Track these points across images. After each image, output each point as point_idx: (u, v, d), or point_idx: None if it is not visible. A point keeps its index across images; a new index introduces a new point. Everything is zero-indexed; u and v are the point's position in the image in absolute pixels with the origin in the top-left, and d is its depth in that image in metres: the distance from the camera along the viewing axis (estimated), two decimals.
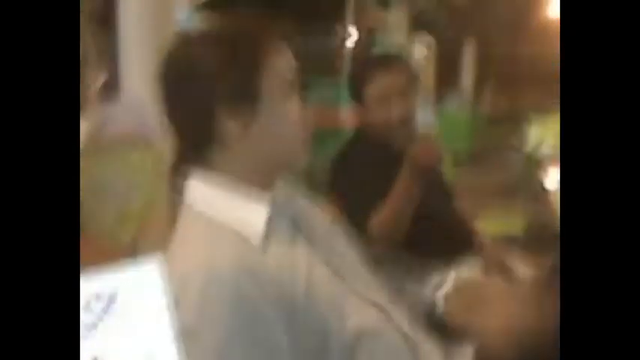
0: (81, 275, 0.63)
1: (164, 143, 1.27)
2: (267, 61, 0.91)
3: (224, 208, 0.92)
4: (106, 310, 0.44)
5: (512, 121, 7.57)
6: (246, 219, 0.91)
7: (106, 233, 1.13)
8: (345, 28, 5.43)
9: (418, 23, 8.12)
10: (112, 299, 0.44)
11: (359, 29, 5.97)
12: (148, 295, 0.45)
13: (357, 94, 1.81)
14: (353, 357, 0.91)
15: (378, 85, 1.75)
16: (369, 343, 0.93)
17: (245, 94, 0.89)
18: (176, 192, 0.96)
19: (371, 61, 2.06)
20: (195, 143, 0.92)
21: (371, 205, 1.63)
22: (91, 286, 0.44)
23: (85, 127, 1.10)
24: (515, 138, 6.09)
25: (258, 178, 0.95)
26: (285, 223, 0.97)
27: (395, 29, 6.85)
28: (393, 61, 1.85)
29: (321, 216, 1.10)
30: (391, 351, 0.96)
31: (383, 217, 1.60)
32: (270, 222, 0.93)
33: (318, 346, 0.88)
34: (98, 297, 0.44)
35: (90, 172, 1.09)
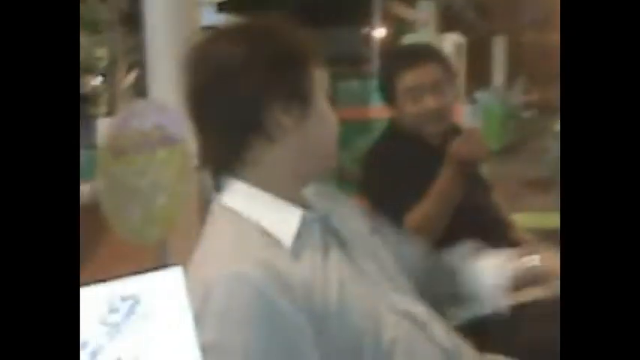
0: (107, 278, 0.62)
1: (190, 142, 1.25)
2: (315, 67, 0.92)
3: (256, 206, 0.89)
4: (131, 312, 0.45)
5: (544, 115, 7.45)
6: (278, 220, 0.87)
7: (134, 232, 1.11)
8: (372, 24, 5.39)
9: (447, 20, 8.04)
10: (136, 302, 0.45)
11: (387, 25, 5.92)
12: (171, 300, 0.46)
13: (387, 89, 1.71)
14: None
15: (408, 78, 1.64)
16: (403, 354, 0.88)
17: (299, 92, 0.89)
18: (215, 189, 0.93)
19: (400, 53, 1.98)
20: (241, 138, 0.89)
21: (405, 200, 1.58)
22: (117, 288, 0.46)
23: (112, 123, 1.08)
24: (548, 129, 5.98)
25: (294, 178, 0.92)
26: (319, 228, 0.92)
27: (423, 26, 6.78)
28: (422, 51, 1.76)
29: (360, 221, 1.06)
30: None
31: (423, 212, 1.53)
32: (304, 225, 0.88)
33: (351, 357, 0.83)
34: (123, 299, 0.45)
35: (116, 170, 1.07)
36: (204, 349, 0.75)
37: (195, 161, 1.23)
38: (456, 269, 1.14)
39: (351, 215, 1.04)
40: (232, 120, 0.88)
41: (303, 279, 0.81)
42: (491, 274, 1.09)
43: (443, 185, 1.54)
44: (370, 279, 0.92)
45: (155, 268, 0.51)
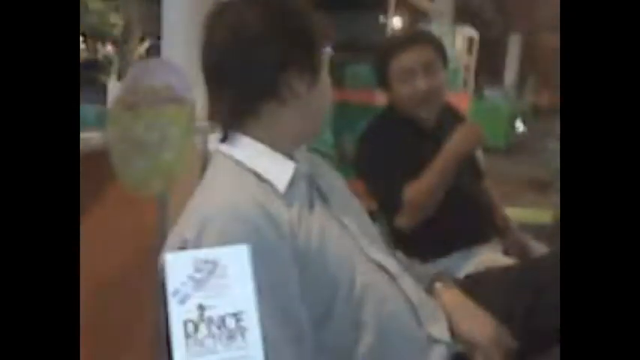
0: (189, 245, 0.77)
1: (197, 102, 1.32)
2: (321, 43, 1.00)
3: (255, 156, 0.97)
4: (211, 272, 0.60)
5: (551, 116, 7.47)
6: (275, 169, 0.96)
7: (138, 182, 1.17)
8: (388, 16, 5.40)
9: (463, 14, 8.03)
10: (215, 265, 0.60)
11: (402, 14, 5.93)
12: (239, 267, 0.61)
13: (380, 72, 1.77)
14: (358, 311, 0.95)
15: (402, 59, 1.71)
16: (374, 301, 0.96)
17: (312, 62, 0.98)
18: (223, 141, 1.00)
19: (395, 38, 2.05)
20: (255, 99, 0.97)
21: (399, 178, 1.64)
22: (202, 254, 0.61)
23: (125, 78, 1.14)
24: (553, 129, 6.01)
25: (292, 137, 1.00)
26: (307, 183, 1.02)
27: (439, 19, 6.79)
28: (417, 37, 1.81)
29: (340, 181, 1.15)
30: (395, 312, 1.00)
31: (420, 186, 1.61)
32: (295, 177, 0.98)
33: (327, 298, 0.92)
34: (206, 262, 0.60)
35: (125, 122, 1.13)
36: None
37: (200, 121, 1.30)
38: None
39: (334, 179, 1.12)
40: (249, 82, 0.95)
41: (290, 221, 0.90)
42: None
43: (438, 166, 1.62)
44: (348, 231, 1.01)
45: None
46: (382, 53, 1.79)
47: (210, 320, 0.58)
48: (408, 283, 1.06)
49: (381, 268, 1.03)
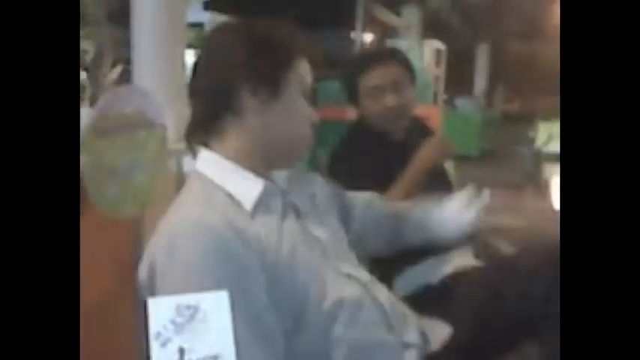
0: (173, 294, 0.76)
1: (167, 125, 1.35)
2: (294, 64, 1.02)
3: (224, 173, 1.00)
4: (192, 317, 0.64)
5: (522, 122, 7.62)
6: (242, 187, 0.99)
7: (112, 207, 1.20)
8: (356, 31, 5.48)
9: (431, 27, 8.17)
10: (196, 310, 0.64)
11: (371, 30, 6.03)
12: (219, 311, 0.65)
13: (350, 89, 1.82)
14: (331, 324, 0.97)
15: (371, 76, 1.76)
16: (347, 313, 0.99)
17: (269, 81, 0.99)
18: (191, 155, 1.04)
19: (365, 55, 2.10)
20: (213, 112, 1.01)
21: (369, 190, 1.68)
22: (183, 298, 0.65)
23: (96, 106, 1.17)
24: (526, 136, 6.14)
25: (260, 158, 1.03)
26: (279, 200, 1.04)
27: (406, 33, 6.90)
28: (384, 54, 1.86)
29: (322, 195, 1.18)
30: (368, 322, 1.02)
31: (389, 199, 1.65)
32: (265, 195, 1.00)
33: (297, 310, 0.95)
34: (188, 307, 0.64)
35: (97, 149, 1.16)
36: (169, 290, 0.86)
37: (174, 143, 1.33)
38: (422, 217, 1.28)
39: (312, 195, 1.15)
40: (209, 96, 1.01)
41: (259, 236, 0.93)
42: (454, 212, 1.26)
43: (408, 179, 1.67)
44: (320, 246, 1.04)
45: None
46: (351, 70, 1.83)
47: None
48: (380, 291, 1.10)
49: (353, 278, 1.06)
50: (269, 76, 0.99)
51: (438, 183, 1.84)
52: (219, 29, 1.07)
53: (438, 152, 1.73)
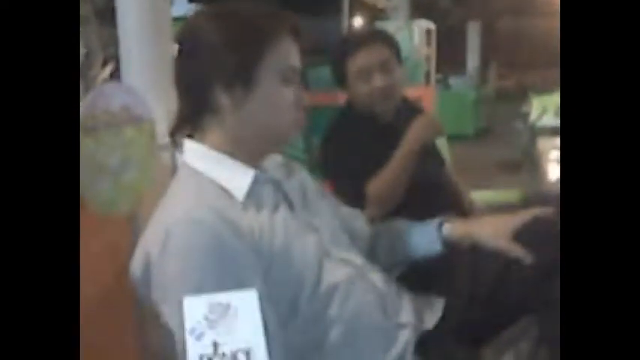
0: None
1: (156, 121, 1.35)
2: (270, 49, 0.98)
3: (214, 165, 0.99)
4: (224, 313, 0.68)
5: (516, 97, 7.62)
6: (233, 178, 0.99)
7: (104, 205, 1.20)
8: (343, 16, 5.46)
9: (420, 6, 8.14)
10: (227, 307, 0.69)
11: (358, 17, 6.01)
12: (248, 308, 0.69)
13: (338, 71, 1.82)
14: (326, 308, 0.99)
15: (357, 58, 1.76)
16: (341, 296, 1.00)
17: (242, 75, 0.97)
18: (176, 149, 1.04)
19: (350, 38, 2.09)
20: (193, 110, 1.01)
21: (363, 172, 1.69)
22: (216, 297, 0.69)
23: (84, 104, 1.17)
24: (520, 111, 6.14)
25: (246, 148, 1.02)
26: (271, 188, 1.05)
27: (395, 14, 6.88)
28: (372, 35, 1.87)
29: (311, 184, 1.19)
30: (362, 303, 1.03)
31: (382, 180, 1.66)
32: (256, 184, 1.00)
33: (292, 295, 0.96)
34: (220, 304, 0.69)
35: (87, 147, 1.16)
36: (166, 284, 0.87)
37: (163, 138, 1.33)
38: (400, 229, 1.27)
39: (305, 182, 1.16)
40: (187, 93, 1.01)
41: (252, 226, 0.94)
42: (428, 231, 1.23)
43: (400, 158, 1.67)
44: (313, 233, 1.05)
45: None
46: (338, 53, 1.83)
47: (223, 355, 0.66)
48: (374, 273, 1.11)
49: (347, 262, 1.06)
50: (241, 70, 0.97)
51: (430, 162, 1.85)
52: (191, 21, 1.05)
53: (426, 130, 1.72)
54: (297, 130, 1.06)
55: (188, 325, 0.67)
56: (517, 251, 1.11)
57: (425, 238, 1.22)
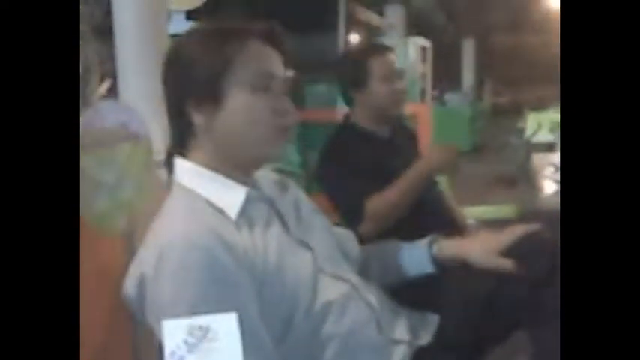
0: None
1: (152, 138, 1.36)
2: (237, 57, 0.96)
3: (206, 184, 0.98)
4: (203, 337, 0.69)
5: (511, 113, 7.68)
6: (225, 196, 0.98)
7: (101, 222, 1.20)
8: (340, 34, 5.51)
9: (415, 24, 8.21)
10: (207, 330, 0.69)
11: (355, 31, 6.06)
12: (229, 331, 0.70)
13: (359, 73, 1.83)
14: (320, 325, 0.98)
15: (383, 60, 1.83)
16: (335, 314, 1.00)
17: (209, 90, 0.96)
18: (169, 172, 1.05)
19: (367, 48, 2.09)
20: (175, 132, 1.03)
21: (359, 188, 1.70)
22: (195, 320, 0.70)
23: (81, 121, 1.18)
24: (515, 127, 6.18)
25: (232, 165, 1.01)
26: (264, 206, 1.03)
27: (390, 32, 6.93)
28: (386, 47, 1.94)
29: (304, 201, 1.19)
30: (357, 320, 1.02)
31: (385, 199, 1.67)
32: (248, 202, 0.99)
33: (287, 313, 0.95)
34: (199, 327, 0.69)
35: (82, 165, 1.16)
36: (160, 304, 0.87)
37: (158, 156, 1.34)
38: (391, 250, 1.27)
39: (298, 199, 1.16)
40: (169, 114, 1.02)
41: (245, 245, 0.93)
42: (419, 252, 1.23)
43: (411, 180, 1.69)
44: (307, 251, 1.05)
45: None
46: (360, 53, 1.90)
47: None
48: (370, 291, 1.11)
49: (342, 280, 1.06)
50: (209, 84, 0.96)
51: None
52: (176, 42, 1.05)
53: (442, 159, 1.73)
54: (281, 140, 1.02)
55: (167, 348, 0.67)
56: (507, 266, 1.11)
57: (416, 258, 1.22)
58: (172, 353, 0.67)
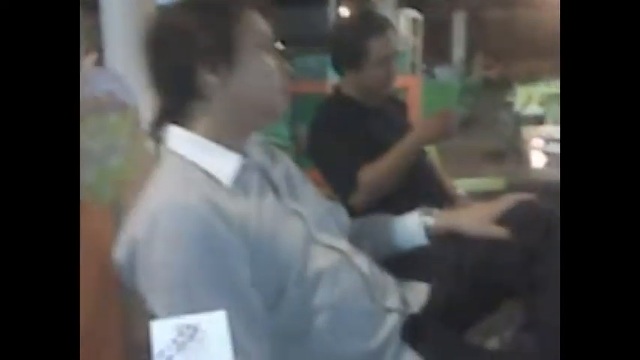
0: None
1: (140, 107, 1.34)
2: (240, 22, 0.99)
3: (200, 151, 0.98)
4: (192, 336, 0.69)
5: (500, 88, 7.68)
6: (219, 163, 0.98)
7: (89, 191, 1.19)
8: (330, 6, 5.46)
9: None
10: (195, 330, 0.69)
11: (345, 6, 5.99)
12: (216, 330, 0.70)
13: (355, 55, 1.77)
14: (312, 293, 0.99)
15: (381, 44, 1.76)
16: (327, 282, 1.00)
17: (222, 50, 0.97)
18: (157, 141, 1.03)
19: (367, 24, 1.88)
20: (177, 98, 1.00)
21: (350, 159, 1.70)
22: (184, 319, 0.70)
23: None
24: (505, 100, 6.18)
25: (236, 128, 1.03)
26: (257, 174, 1.03)
27: (381, 3, 6.86)
28: (385, 20, 1.86)
29: (295, 171, 1.18)
30: (349, 289, 1.03)
31: (377, 170, 1.66)
32: (242, 170, 0.99)
33: (279, 281, 0.96)
34: (188, 326, 0.69)
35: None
36: (152, 270, 0.86)
37: (146, 125, 1.32)
38: (382, 224, 1.28)
39: (289, 168, 1.16)
40: (170, 80, 1.00)
41: (239, 212, 0.93)
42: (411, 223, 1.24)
43: (405, 150, 1.68)
44: (299, 220, 1.05)
45: None
46: (359, 31, 1.80)
47: None
48: (361, 260, 1.11)
49: (334, 248, 1.07)
50: (221, 47, 0.97)
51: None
52: (162, 15, 1.04)
53: (438, 130, 1.69)
54: (286, 100, 1.05)
55: (156, 348, 0.68)
56: (501, 234, 1.12)
57: (408, 231, 1.23)
58: (161, 353, 0.68)
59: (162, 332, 0.68)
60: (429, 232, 1.21)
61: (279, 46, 1.08)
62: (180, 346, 0.67)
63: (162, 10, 1.07)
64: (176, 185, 0.93)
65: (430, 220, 1.21)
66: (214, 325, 0.69)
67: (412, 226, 1.22)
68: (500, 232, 1.12)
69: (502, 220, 1.14)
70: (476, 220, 1.16)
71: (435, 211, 1.24)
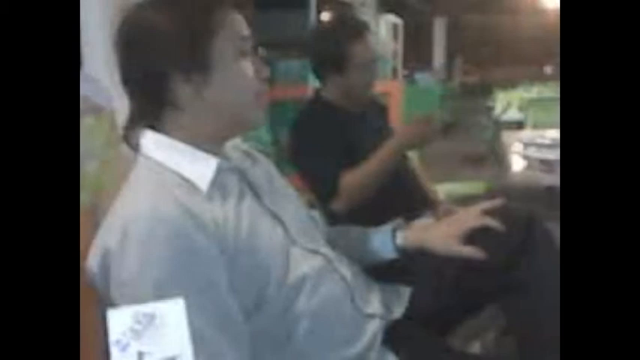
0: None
1: (117, 110, 1.32)
2: (218, 27, 0.94)
3: (175, 156, 0.95)
4: (149, 324, 0.68)
5: (481, 93, 7.75)
6: (195, 167, 0.95)
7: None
8: (310, 11, 5.45)
9: (386, 2, 8.17)
10: (153, 317, 0.68)
11: (325, 11, 6.00)
12: (176, 316, 0.69)
13: (336, 60, 1.77)
14: (293, 300, 0.97)
15: (362, 49, 1.76)
16: (308, 288, 0.98)
17: (197, 60, 0.93)
18: (131, 147, 1.00)
19: (347, 28, 1.84)
20: (150, 105, 0.97)
21: (331, 164, 1.68)
22: (141, 308, 0.69)
23: None
24: (485, 105, 6.24)
25: (211, 136, 0.99)
26: (235, 177, 1.02)
27: (362, 9, 6.88)
28: (364, 24, 1.87)
29: (276, 174, 1.16)
30: (330, 295, 1.02)
31: (359, 174, 1.66)
32: (219, 173, 0.97)
33: (258, 290, 0.93)
34: (145, 315, 0.69)
35: None
36: (125, 280, 0.84)
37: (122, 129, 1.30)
38: (355, 235, 1.27)
39: (269, 172, 1.14)
40: (143, 85, 0.96)
41: (216, 217, 0.90)
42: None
43: (386, 155, 1.67)
44: (280, 223, 1.02)
45: None
46: (339, 35, 1.78)
47: None
48: (343, 264, 1.10)
49: (315, 253, 1.05)
50: (195, 55, 0.93)
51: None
52: (133, 14, 0.98)
53: (419, 134, 1.69)
54: (262, 106, 1.02)
55: (113, 336, 0.67)
56: (468, 253, 1.11)
57: (380, 245, 1.22)
58: (117, 341, 0.67)
59: (118, 321, 0.67)
60: (398, 248, 1.20)
61: (260, 51, 1.04)
62: (137, 334, 0.67)
63: (135, 7, 0.99)
64: (149, 191, 0.90)
65: (400, 238, 1.21)
66: (172, 312, 0.69)
67: (383, 241, 1.22)
68: (469, 251, 1.12)
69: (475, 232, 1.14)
70: (444, 238, 1.16)
71: (406, 226, 1.23)
